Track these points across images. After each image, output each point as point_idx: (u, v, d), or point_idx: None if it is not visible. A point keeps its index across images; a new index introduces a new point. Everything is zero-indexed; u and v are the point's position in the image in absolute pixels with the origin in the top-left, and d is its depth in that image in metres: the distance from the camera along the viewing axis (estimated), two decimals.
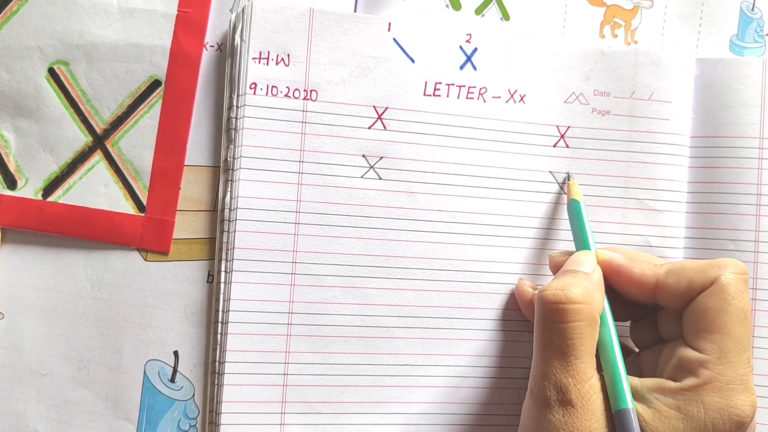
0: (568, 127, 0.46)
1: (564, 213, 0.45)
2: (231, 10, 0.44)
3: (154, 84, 0.44)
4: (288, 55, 0.43)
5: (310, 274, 0.43)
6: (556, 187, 0.45)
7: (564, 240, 0.45)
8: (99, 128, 0.44)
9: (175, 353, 0.44)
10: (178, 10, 0.45)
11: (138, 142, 0.44)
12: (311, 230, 0.43)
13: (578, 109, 0.46)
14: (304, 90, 0.43)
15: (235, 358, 0.42)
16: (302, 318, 0.43)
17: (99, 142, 0.44)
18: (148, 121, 0.45)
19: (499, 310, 0.45)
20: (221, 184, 0.43)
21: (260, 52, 0.43)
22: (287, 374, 0.42)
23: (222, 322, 0.42)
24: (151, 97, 0.44)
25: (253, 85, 0.43)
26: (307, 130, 0.43)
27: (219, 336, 0.42)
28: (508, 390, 0.45)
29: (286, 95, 0.43)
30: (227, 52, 0.43)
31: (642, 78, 0.46)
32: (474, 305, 0.44)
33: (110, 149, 0.44)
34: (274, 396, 0.42)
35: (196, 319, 0.43)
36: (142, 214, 0.44)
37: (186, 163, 0.44)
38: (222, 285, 0.42)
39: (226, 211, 0.43)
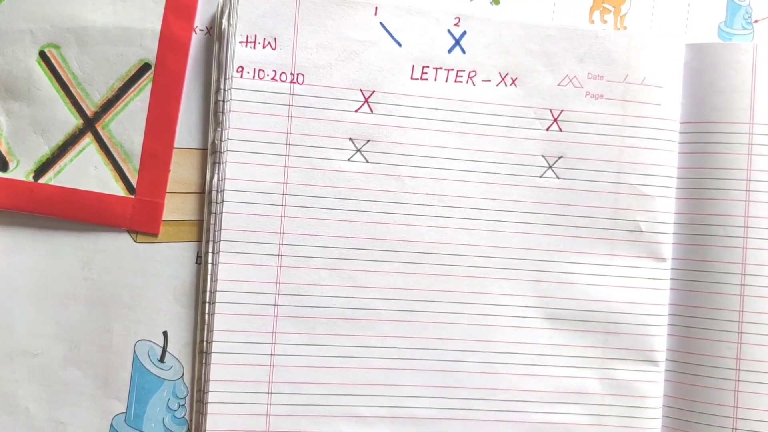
0: (562, 110, 0.49)
1: (554, 197, 0.49)
2: None
3: (144, 67, 0.48)
4: (275, 38, 0.47)
5: (297, 256, 0.46)
6: (548, 171, 0.49)
7: (553, 224, 0.49)
8: (89, 111, 0.48)
9: (165, 333, 0.47)
10: None
11: (128, 125, 0.48)
12: (298, 212, 0.46)
13: (572, 92, 0.49)
14: (291, 73, 0.47)
15: (223, 337, 0.46)
16: (289, 299, 0.46)
17: (89, 124, 0.48)
18: (138, 103, 0.48)
19: (488, 294, 0.48)
20: (209, 166, 0.47)
21: (247, 36, 0.46)
22: (274, 354, 0.46)
23: (209, 303, 0.46)
24: (141, 80, 0.48)
25: (240, 69, 0.46)
26: (293, 113, 0.47)
27: (207, 316, 0.46)
28: (494, 374, 0.48)
29: (273, 78, 0.47)
30: (215, 36, 0.47)
31: (635, 62, 0.49)
32: (462, 289, 0.48)
33: (100, 132, 0.48)
34: (261, 376, 0.46)
35: (185, 299, 0.47)
36: (132, 196, 0.48)
37: (175, 146, 0.48)
38: (210, 266, 0.46)
39: (214, 193, 0.46)
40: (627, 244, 0.49)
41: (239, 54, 0.46)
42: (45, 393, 0.48)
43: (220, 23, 0.47)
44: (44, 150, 0.48)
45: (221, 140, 0.46)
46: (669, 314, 0.50)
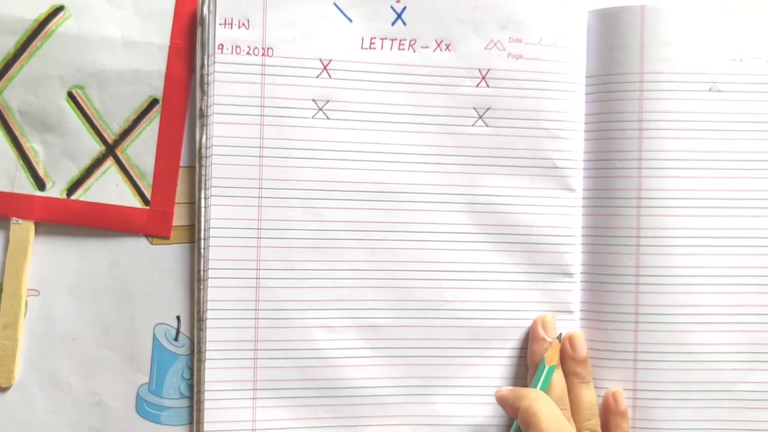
0: (489, 69, 0.55)
1: (484, 142, 0.55)
2: None
3: (153, 102, 0.54)
4: (248, 20, 0.53)
5: (275, 197, 0.53)
6: (479, 121, 0.55)
7: (484, 164, 0.55)
8: (110, 139, 0.54)
9: (178, 317, 0.55)
10: (170, 42, 0.54)
11: (142, 150, 0.54)
12: (273, 162, 0.54)
13: (496, 54, 0.55)
14: (262, 48, 0.53)
15: (217, 265, 0.53)
16: (269, 233, 0.53)
17: (110, 150, 0.54)
18: (149, 132, 0.55)
19: (431, 223, 0.55)
20: (198, 128, 0.54)
21: (225, 19, 0.53)
22: (259, 278, 0.54)
23: (204, 239, 0.53)
24: (150, 113, 0.54)
25: (220, 46, 0.53)
26: (266, 81, 0.54)
27: (202, 250, 0.54)
28: (440, 289, 0.55)
29: (248, 53, 0.53)
30: (198, 21, 0.54)
31: (547, 27, 0.55)
32: (410, 220, 0.55)
33: (120, 156, 0.54)
34: (248, 295, 0.53)
35: (194, 289, 0.54)
36: (147, 207, 0.54)
37: (181, 165, 0.55)
38: (203, 209, 0.53)
39: (203, 149, 0.54)
40: (545, 179, 0.56)
41: (219, 34, 0.53)
42: (83, 369, 0.54)
43: (202, 10, 0.54)
44: (74, 172, 0.54)
45: (207, 106, 0.53)
46: (581, 235, 0.57)
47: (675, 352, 0.56)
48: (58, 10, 0.54)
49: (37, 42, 0.54)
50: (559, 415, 0.50)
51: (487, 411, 0.56)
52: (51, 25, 0.54)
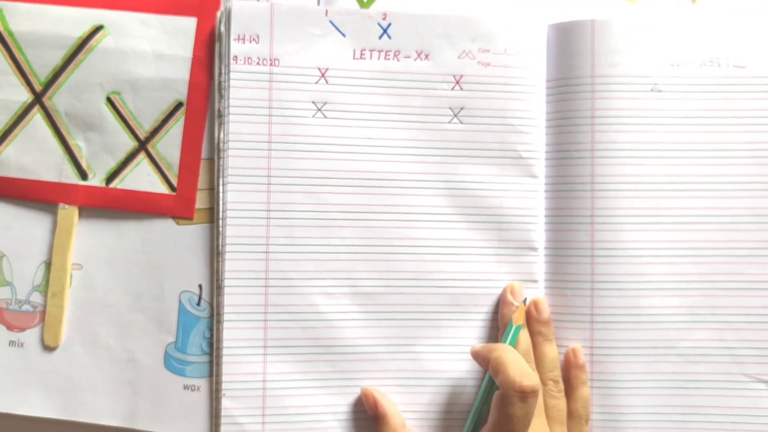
0: (462, 75, 0.60)
1: (459, 137, 0.60)
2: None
3: (178, 105, 0.59)
4: (258, 35, 0.59)
5: (281, 184, 0.59)
6: (454, 119, 0.60)
7: (459, 156, 0.60)
8: (142, 136, 0.59)
9: (200, 286, 0.59)
10: (193, 54, 0.59)
11: (169, 145, 0.59)
12: (280, 155, 0.59)
13: (468, 62, 0.60)
14: (269, 59, 0.59)
15: (233, 241, 0.59)
16: (276, 214, 0.58)
17: (143, 145, 0.59)
18: (175, 130, 0.59)
19: (414, 205, 0.60)
20: (216, 126, 0.59)
21: (239, 35, 0.59)
22: (268, 252, 0.59)
23: (222, 219, 0.60)
24: (176, 114, 0.59)
25: (235, 58, 0.58)
26: (273, 86, 0.59)
27: (221, 228, 0.60)
28: (422, 261, 0.60)
29: (258, 63, 0.59)
30: (216, 37, 0.59)
31: (512, 39, 0.60)
32: (397, 203, 0.60)
33: (151, 150, 0.59)
34: (259, 267, 0.59)
35: (213, 261, 0.59)
36: (174, 193, 0.59)
37: (202, 157, 0.59)
38: (221, 194, 0.60)
39: (221, 143, 0.59)
40: (512, 168, 0.60)
41: (234, 48, 0.58)
42: (119, 331, 0.59)
43: (219, 28, 0.59)
44: (112, 164, 0.59)
45: (224, 108, 0.58)
46: (544, 215, 0.61)
47: (626, 314, 0.60)
48: (98, 29, 0.59)
49: (80, 56, 0.59)
50: (524, 362, 0.53)
51: (465, 366, 0.61)
52: (92, 42, 0.59)
